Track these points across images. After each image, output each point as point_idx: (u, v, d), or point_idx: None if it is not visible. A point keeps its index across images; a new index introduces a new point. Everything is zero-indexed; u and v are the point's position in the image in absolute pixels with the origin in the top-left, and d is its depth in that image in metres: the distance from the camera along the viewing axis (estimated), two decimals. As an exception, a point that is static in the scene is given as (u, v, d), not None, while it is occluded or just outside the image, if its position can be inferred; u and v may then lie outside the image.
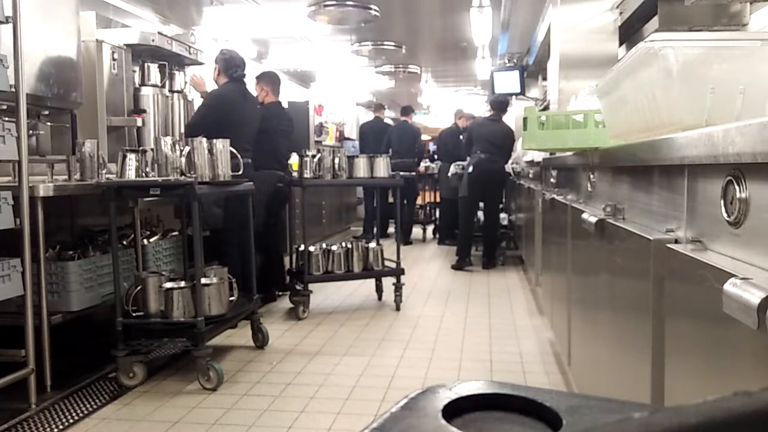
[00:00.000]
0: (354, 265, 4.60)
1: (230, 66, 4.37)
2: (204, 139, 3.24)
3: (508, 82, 7.60)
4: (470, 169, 6.42)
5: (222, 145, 3.31)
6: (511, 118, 8.56)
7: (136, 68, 4.57)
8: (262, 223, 4.49)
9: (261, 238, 4.39)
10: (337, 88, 11.14)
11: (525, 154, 5.71)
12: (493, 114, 6.81)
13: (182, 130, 4.71)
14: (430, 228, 9.29)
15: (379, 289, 4.98)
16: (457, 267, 6.42)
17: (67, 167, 3.47)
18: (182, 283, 3.13)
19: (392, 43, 7.77)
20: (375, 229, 7.97)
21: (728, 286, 0.84)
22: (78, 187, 3.27)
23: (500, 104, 6.81)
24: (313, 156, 4.48)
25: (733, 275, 0.86)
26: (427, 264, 6.91)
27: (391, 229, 8.69)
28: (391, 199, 7.87)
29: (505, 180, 6.80)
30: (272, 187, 4.69)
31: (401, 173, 4.95)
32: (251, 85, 4.74)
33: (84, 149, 3.40)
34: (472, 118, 8.66)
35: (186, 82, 4.92)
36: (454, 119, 8.86)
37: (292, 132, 5.16)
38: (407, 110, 9.01)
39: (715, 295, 0.89)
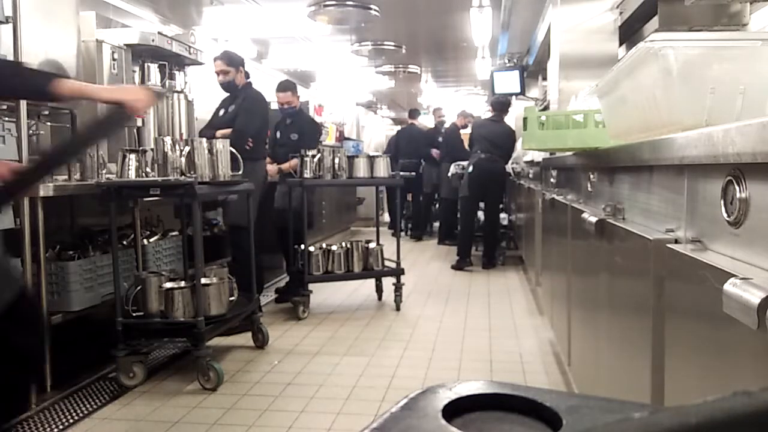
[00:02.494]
0: (354, 265, 4.60)
1: (244, 66, 4.39)
2: (204, 139, 3.25)
3: (508, 82, 7.60)
4: (470, 169, 6.43)
5: (222, 145, 3.31)
6: (511, 118, 8.55)
7: (136, 68, 4.57)
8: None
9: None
10: (337, 88, 11.14)
11: (525, 154, 5.71)
12: (494, 114, 6.81)
13: (182, 130, 4.71)
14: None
15: (379, 289, 4.98)
16: (458, 267, 6.42)
17: (67, 167, 3.47)
18: (182, 283, 3.13)
19: (392, 43, 7.77)
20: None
21: (728, 286, 0.84)
22: (78, 187, 3.27)
23: (501, 105, 6.81)
24: (313, 156, 4.48)
25: (733, 275, 0.86)
26: (427, 264, 6.91)
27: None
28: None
29: (505, 180, 6.79)
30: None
31: (403, 173, 4.95)
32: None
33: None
34: (470, 117, 8.66)
35: (186, 82, 4.92)
36: (457, 119, 8.85)
37: None
38: (415, 113, 9.43)
39: (715, 295, 0.89)
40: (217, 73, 4.32)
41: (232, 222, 4.18)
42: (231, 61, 4.32)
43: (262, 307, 4.28)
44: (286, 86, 5.01)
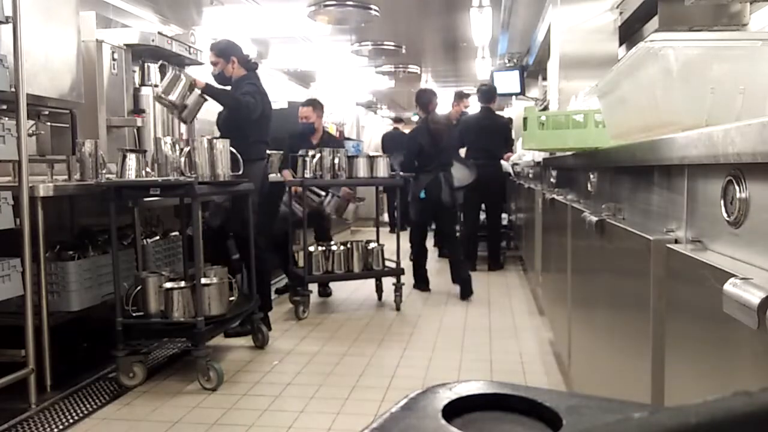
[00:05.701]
0: (354, 265, 4.60)
1: (243, 53, 4.13)
2: (204, 139, 3.24)
3: (508, 82, 7.60)
4: None
5: (222, 145, 3.30)
6: (512, 118, 8.55)
7: (136, 68, 4.57)
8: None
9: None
10: (337, 88, 11.14)
11: (525, 154, 5.70)
12: (482, 109, 6.36)
13: (182, 130, 4.71)
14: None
15: (379, 289, 4.98)
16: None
17: (67, 167, 3.47)
18: (182, 283, 3.13)
19: (392, 43, 7.76)
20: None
21: (728, 286, 0.84)
22: (78, 187, 3.27)
23: (488, 94, 6.34)
24: (313, 156, 4.48)
25: (733, 275, 0.86)
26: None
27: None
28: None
29: (504, 183, 6.70)
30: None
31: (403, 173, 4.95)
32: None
33: (84, 149, 3.40)
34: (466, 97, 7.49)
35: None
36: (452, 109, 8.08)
37: None
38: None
39: (715, 295, 0.89)
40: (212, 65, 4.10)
41: (237, 230, 3.93)
42: (220, 51, 4.03)
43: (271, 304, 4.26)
44: (307, 102, 5.20)
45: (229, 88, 3.98)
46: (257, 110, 3.88)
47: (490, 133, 6.25)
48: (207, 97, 3.77)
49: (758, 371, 0.84)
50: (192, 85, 3.67)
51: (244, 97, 3.82)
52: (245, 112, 3.83)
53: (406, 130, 9.14)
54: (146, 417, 2.70)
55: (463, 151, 6.37)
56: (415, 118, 9.66)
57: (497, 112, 7.11)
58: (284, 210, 4.90)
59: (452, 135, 5.46)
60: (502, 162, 6.51)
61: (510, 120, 7.31)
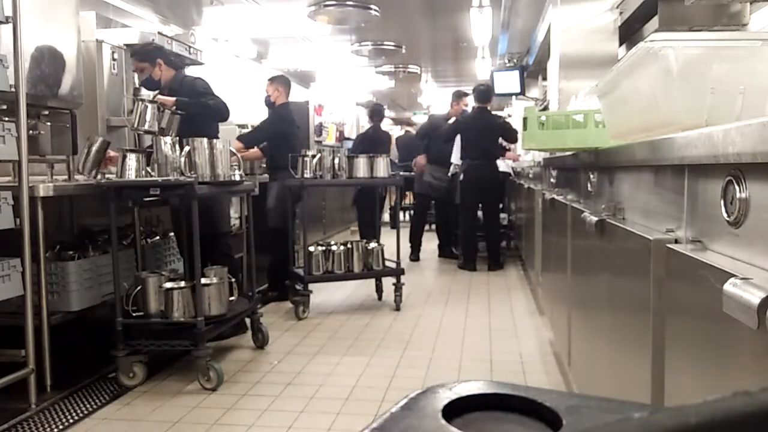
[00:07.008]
0: (354, 265, 4.60)
1: (166, 53, 4.04)
2: (204, 139, 3.24)
3: (508, 82, 7.60)
4: (461, 176, 6.26)
5: (222, 145, 3.30)
6: (511, 118, 8.56)
7: (136, 68, 4.57)
8: (281, 220, 4.74)
9: (279, 234, 4.74)
10: (337, 88, 11.14)
11: (525, 154, 5.71)
12: (477, 109, 6.37)
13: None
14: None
15: (379, 289, 4.98)
16: (463, 267, 6.39)
17: (67, 167, 3.47)
18: (182, 283, 3.13)
19: (392, 43, 7.77)
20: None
21: (728, 286, 0.84)
22: (78, 187, 3.27)
23: (484, 95, 6.35)
24: (313, 156, 4.48)
25: (733, 275, 0.86)
26: (427, 264, 6.91)
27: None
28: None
29: (503, 182, 6.68)
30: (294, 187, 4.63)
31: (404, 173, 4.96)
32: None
33: (93, 148, 3.40)
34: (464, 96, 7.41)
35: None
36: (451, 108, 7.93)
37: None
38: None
39: (715, 295, 0.89)
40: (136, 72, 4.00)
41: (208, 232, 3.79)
42: (144, 56, 3.89)
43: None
44: (271, 78, 5.17)
45: (156, 92, 3.83)
46: (227, 108, 3.89)
47: (486, 133, 6.30)
48: (181, 112, 3.70)
49: (758, 371, 0.84)
50: (161, 107, 3.58)
51: (210, 99, 3.80)
52: (221, 114, 3.84)
53: (413, 130, 9.47)
54: (146, 417, 2.70)
55: (457, 149, 6.41)
56: (415, 117, 9.67)
57: (495, 112, 7.12)
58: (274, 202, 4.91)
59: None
60: (500, 161, 6.53)
61: (503, 118, 7.33)
